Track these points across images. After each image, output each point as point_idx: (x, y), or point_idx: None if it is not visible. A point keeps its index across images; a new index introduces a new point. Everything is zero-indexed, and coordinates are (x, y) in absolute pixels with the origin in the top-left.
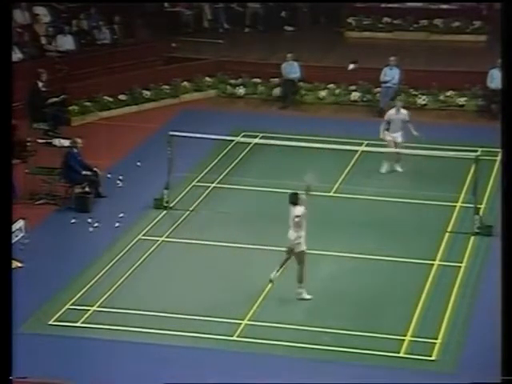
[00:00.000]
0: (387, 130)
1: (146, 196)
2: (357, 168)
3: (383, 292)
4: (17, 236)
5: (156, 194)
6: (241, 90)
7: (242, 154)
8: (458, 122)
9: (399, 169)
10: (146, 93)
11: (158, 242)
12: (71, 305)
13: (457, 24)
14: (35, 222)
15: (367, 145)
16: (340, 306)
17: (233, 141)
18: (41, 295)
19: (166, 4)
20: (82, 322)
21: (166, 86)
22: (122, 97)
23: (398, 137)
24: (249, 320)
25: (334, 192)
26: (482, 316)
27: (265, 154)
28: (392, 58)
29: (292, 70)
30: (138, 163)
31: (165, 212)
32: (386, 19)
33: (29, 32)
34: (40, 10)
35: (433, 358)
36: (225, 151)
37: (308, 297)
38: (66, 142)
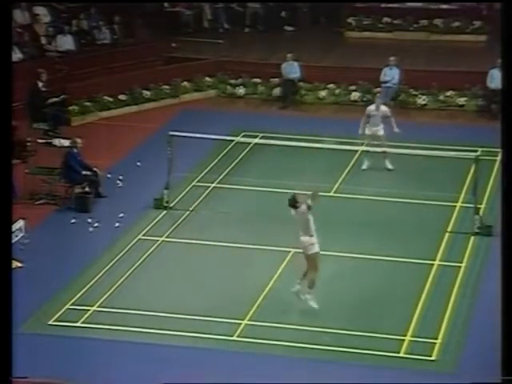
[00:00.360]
0: (367, 123)
1: (146, 196)
2: (357, 168)
3: (383, 292)
4: (17, 236)
5: (156, 194)
6: (241, 90)
7: (242, 154)
8: (458, 122)
9: (389, 166)
10: (146, 93)
11: (158, 242)
12: (71, 305)
13: (457, 24)
14: (35, 222)
15: (367, 145)
16: (340, 305)
17: (233, 141)
18: (41, 295)
19: (166, 4)
20: (82, 322)
21: (166, 86)
22: (122, 97)
23: (380, 130)
24: (249, 320)
25: (334, 192)
26: (482, 316)
27: (265, 154)
28: (392, 58)
29: (292, 69)
30: (138, 163)
31: (165, 212)
32: (386, 19)
33: (29, 32)
34: (40, 10)
35: (433, 358)
36: (225, 151)
37: (315, 306)
38: (66, 142)
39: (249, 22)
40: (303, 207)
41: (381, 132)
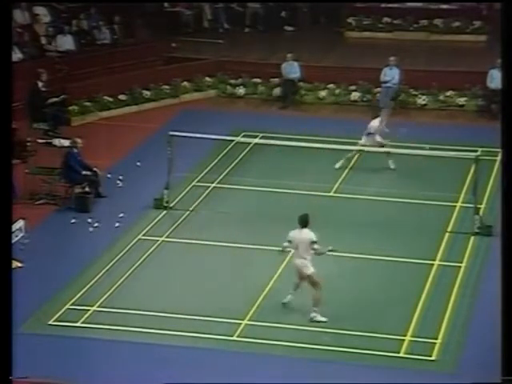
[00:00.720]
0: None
1: (146, 196)
2: (357, 168)
3: (383, 292)
4: (17, 236)
5: (156, 194)
6: (241, 90)
7: (242, 154)
8: (458, 121)
9: (392, 165)
10: (146, 93)
11: (158, 242)
12: (71, 305)
13: (457, 24)
14: (35, 222)
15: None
16: (340, 305)
17: (233, 141)
18: (41, 295)
19: (166, 4)
20: (82, 322)
21: (166, 86)
22: (122, 97)
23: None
24: (249, 320)
25: (334, 192)
26: (482, 316)
27: (265, 154)
28: (392, 58)
29: (292, 69)
30: (138, 163)
31: (165, 212)
32: (386, 19)
33: (29, 32)
34: (40, 10)
35: (433, 358)
36: (225, 151)
37: (323, 319)
38: (66, 142)
39: (249, 22)
40: (310, 236)
41: (378, 138)
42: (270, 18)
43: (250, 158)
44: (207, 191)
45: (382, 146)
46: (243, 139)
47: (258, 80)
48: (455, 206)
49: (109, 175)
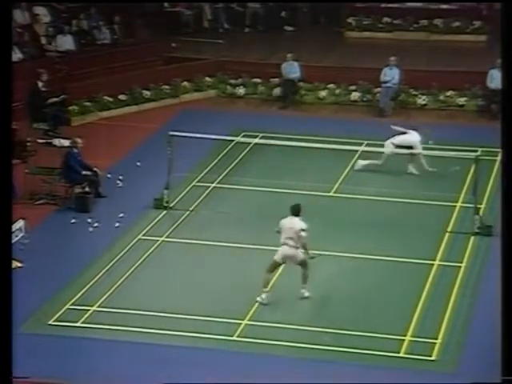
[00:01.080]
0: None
1: (146, 196)
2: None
3: (383, 292)
4: (17, 236)
5: (156, 194)
6: (241, 90)
7: (242, 154)
8: (458, 121)
9: (414, 171)
10: (146, 93)
11: (158, 242)
12: (71, 305)
13: (457, 24)
14: (35, 222)
15: (367, 145)
16: (340, 306)
17: (233, 141)
18: (41, 295)
19: (166, 4)
20: (82, 322)
21: (166, 86)
22: (122, 97)
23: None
24: (249, 320)
25: (334, 192)
26: (482, 316)
27: (265, 153)
28: (392, 58)
29: (292, 69)
30: (138, 163)
31: (165, 212)
32: (386, 19)
33: (29, 32)
34: (40, 10)
35: (433, 358)
36: (225, 151)
37: (308, 294)
38: (66, 142)
39: (249, 22)
40: (300, 225)
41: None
42: (270, 17)
43: (250, 158)
44: (207, 191)
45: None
46: (243, 139)
47: (258, 80)
48: (455, 206)
49: (109, 175)
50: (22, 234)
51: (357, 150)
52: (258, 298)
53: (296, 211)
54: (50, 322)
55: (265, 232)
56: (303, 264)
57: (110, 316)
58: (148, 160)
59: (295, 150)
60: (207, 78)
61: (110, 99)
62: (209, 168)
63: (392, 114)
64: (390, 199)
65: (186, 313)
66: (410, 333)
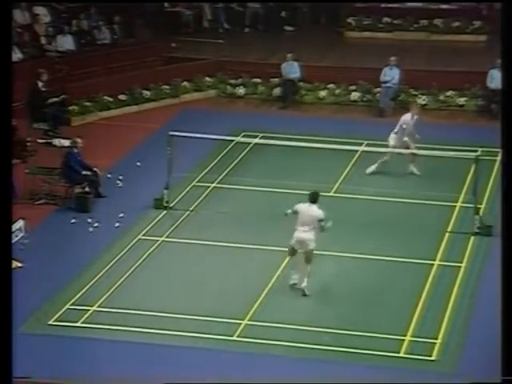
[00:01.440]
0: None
1: (146, 196)
2: (357, 168)
3: (383, 292)
4: (17, 236)
5: (156, 194)
6: (241, 90)
7: (242, 154)
8: (458, 121)
9: (415, 171)
10: (146, 93)
11: (158, 242)
12: (71, 305)
13: (457, 24)
14: (35, 222)
15: (367, 145)
16: (340, 306)
17: (233, 141)
18: (41, 295)
19: (166, 4)
20: (82, 322)
21: (166, 86)
22: (122, 97)
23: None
24: (249, 320)
25: (334, 192)
26: (482, 316)
27: (265, 153)
28: (392, 58)
29: (292, 70)
30: (138, 163)
31: (165, 212)
32: (386, 19)
33: (29, 32)
34: (40, 10)
35: (433, 358)
36: (225, 151)
37: (304, 285)
38: (66, 142)
39: (249, 22)
40: (318, 213)
41: (406, 138)
42: (270, 18)
43: (250, 158)
44: (207, 191)
45: (408, 147)
46: (243, 139)
47: (258, 80)
48: (455, 206)
49: (109, 175)
50: (21, 234)
51: (357, 150)
52: (291, 281)
53: (314, 198)
54: (50, 322)
55: (265, 232)
56: (309, 256)
57: (110, 316)
58: (148, 160)
59: (295, 149)
60: (207, 78)
61: (110, 99)
62: (209, 168)
63: (392, 114)
64: (390, 199)
65: (185, 313)
66: (409, 333)
